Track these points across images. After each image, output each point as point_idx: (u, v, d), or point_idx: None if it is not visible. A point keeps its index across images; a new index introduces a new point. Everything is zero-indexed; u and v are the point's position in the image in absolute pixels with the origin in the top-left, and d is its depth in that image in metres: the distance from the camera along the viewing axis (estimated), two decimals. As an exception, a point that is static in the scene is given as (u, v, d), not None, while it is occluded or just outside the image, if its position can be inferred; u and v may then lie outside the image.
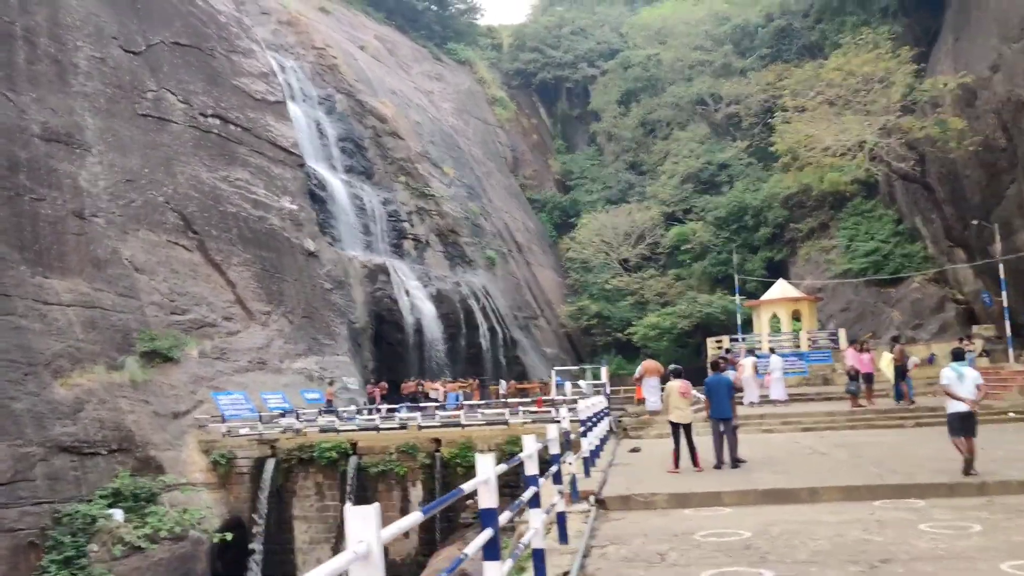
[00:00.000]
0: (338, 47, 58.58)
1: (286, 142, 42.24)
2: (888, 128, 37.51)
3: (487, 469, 5.47)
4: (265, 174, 40.05)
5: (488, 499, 5.47)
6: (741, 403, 23.83)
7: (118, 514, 24.94)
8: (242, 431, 29.54)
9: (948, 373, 12.98)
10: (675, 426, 15.15)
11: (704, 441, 16.03)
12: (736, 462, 15.27)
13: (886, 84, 38.19)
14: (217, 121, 38.39)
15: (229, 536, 26.28)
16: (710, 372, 15.91)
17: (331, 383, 35.04)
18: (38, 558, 23.15)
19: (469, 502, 26.01)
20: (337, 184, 48.49)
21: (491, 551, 5.19)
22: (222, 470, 28.90)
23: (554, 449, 10.80)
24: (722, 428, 15.16)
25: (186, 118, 36.67)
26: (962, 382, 12.78)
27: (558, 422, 26.78)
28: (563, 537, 9.95)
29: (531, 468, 7.69)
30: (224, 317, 34.42)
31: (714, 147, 64.78)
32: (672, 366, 16.47)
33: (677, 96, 68.50)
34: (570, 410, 28.32)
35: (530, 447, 7.80)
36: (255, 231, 37.72)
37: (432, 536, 26.57)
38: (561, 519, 10.20)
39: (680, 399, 15.16)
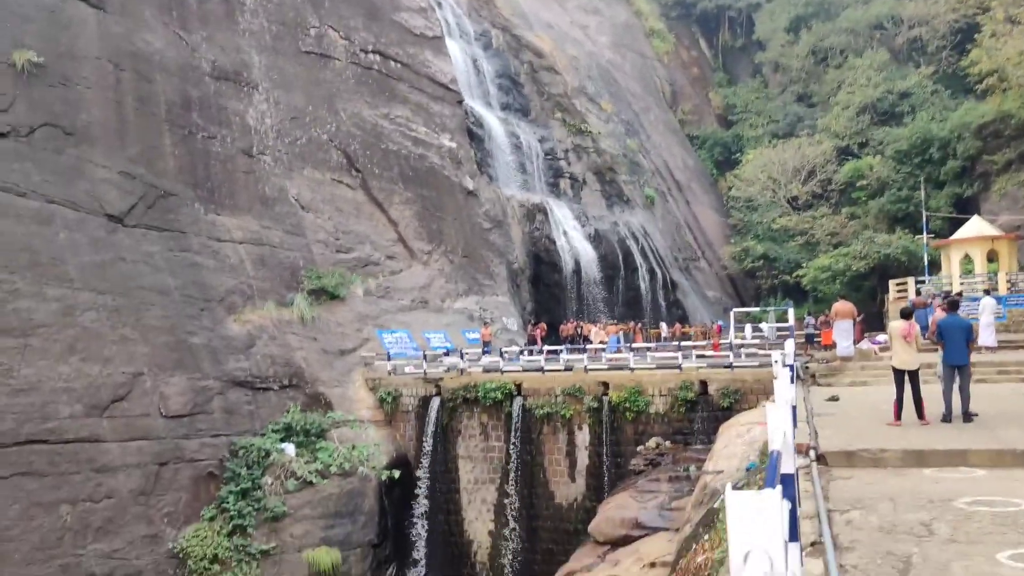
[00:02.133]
0: (493, -19, 57.09)
1: (445, 78, 41.44)
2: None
3: (781, 422, 4.07)
4: (424, 111, 39.46)
5: (786, 463, 4.10)
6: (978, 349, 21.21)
7: (290, 448, 25.27)
8: (407, 369, 29.41)
9: None
10: (899, 373, 13.23)
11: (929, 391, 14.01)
12: (968, 416, 13.24)
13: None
14: (377, 57, 37.95)
15: (396, 474, 26.23)
16: (939, 313, 13.82)
17: (486, 324, 34.31)
18: (217, 488, 23.75)
19: (640, 449, 24.84)
20: (494, 121, 47.48)
21: (792, 531, 3.84)
22: (388, 408, 28.90)
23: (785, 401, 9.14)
24: (956, 377, 13.13)
25: (347, 54, 36.39)
26: None
27: (732, 367, 25.15)
28: (787, 490, 8.50)
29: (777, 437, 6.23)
30: (387, 256, 34.31)
31: (894, 74, 59.52)
32: (903, 307, 14.43)
33: (853, 20, 63.26)
34: (748, 355, 26.60)
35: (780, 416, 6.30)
36: (415, 169, 37.29)
37: (600, 483, 25.62)
38: (775, 463, 8.72)
39: (904, 342, 13.21)
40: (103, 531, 20.79)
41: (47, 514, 19.89)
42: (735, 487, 10.83)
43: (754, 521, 2.03)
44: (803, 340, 29.63)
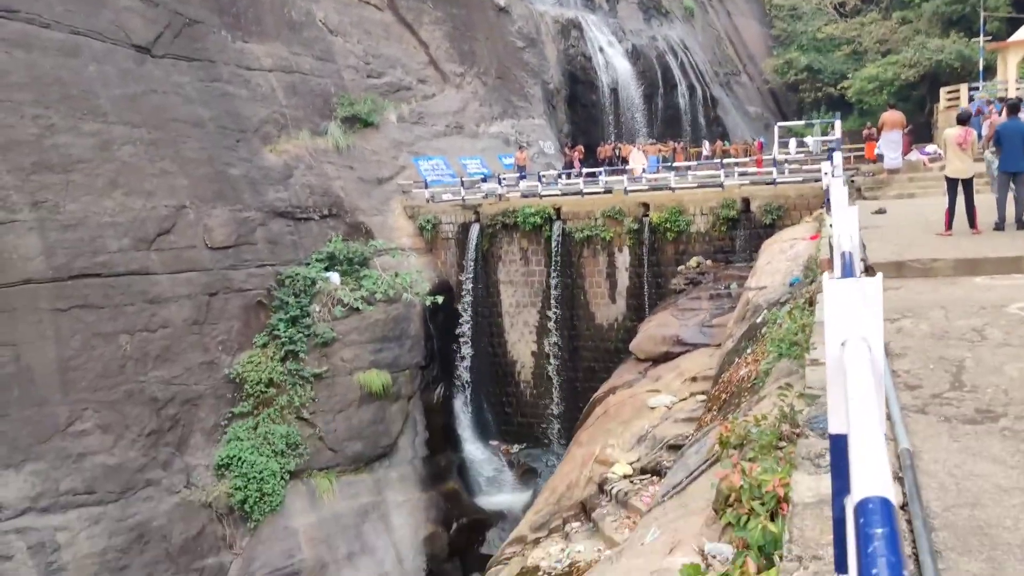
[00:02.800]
0: None
1: None
2: None
3: (847, 225, 3.91)
4: (450, -77, 37.32)
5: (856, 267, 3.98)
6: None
7: (335, 277, 25.72)
8: (445, 197, 29.36)
9: None
10: (951, 182, 12.87)
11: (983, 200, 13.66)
12: (1022, 222, 12.95)
13: None
14: None
15: (440, 299, 26.73)
16: (997, 118, 13.23)
17: (520, 148, 33.67)
18: (267, 316, 24.43)
19: (681, 268, 24.91)
20: (523, -69, 44.86)
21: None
22: (428, 235, 29.09)
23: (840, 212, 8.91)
24: (1012, 183, 12.73)
25: None
26: None
27: (775, 183, 24.69)
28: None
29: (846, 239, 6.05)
30: (419, 80, 33.50)
31: None
32: (960, 110, 13.84)
33: None
34: (792, 171, 26.05)
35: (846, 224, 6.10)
36: (443, -14, 35.71)
37: (641, 302, 25.92)
38: (850, 261, 8.62)
39: (959, 150, 12.76)
40: (161, 359, 21.64)
41: (107, 344, 20.68)
42: (779, 302, 10.77)
43: (855, 308, 1.95)
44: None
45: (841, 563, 2.34)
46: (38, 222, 19.95)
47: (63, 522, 19.02)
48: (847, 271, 3.50)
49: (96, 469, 19.74)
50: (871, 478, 1.58)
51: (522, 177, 30.88)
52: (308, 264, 25.78)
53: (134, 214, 21.90)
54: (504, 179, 29.86)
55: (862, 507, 1.54)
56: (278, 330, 24.04)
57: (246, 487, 21.77)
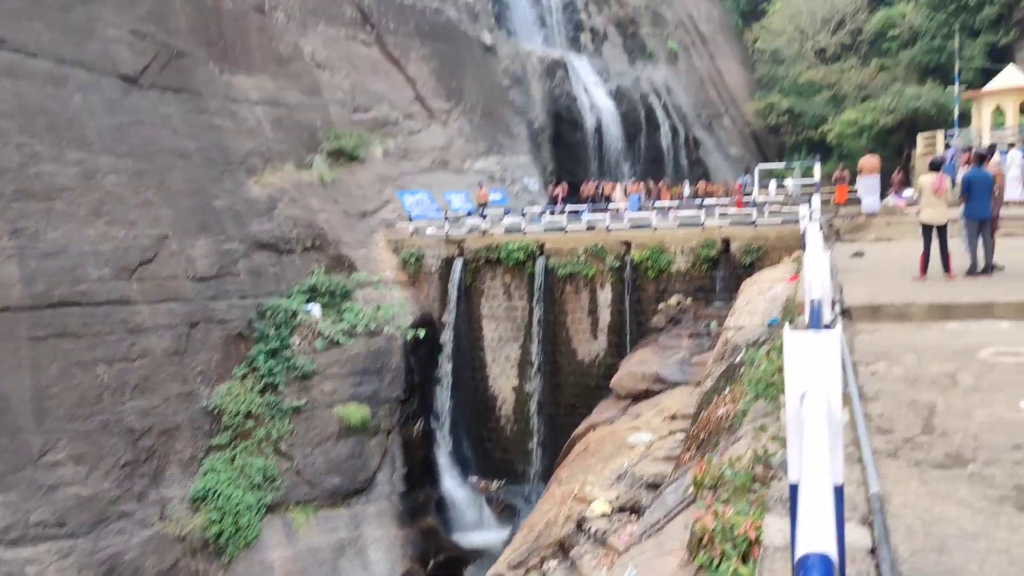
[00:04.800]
0: None
1: (459, -74, 39.58)
2: None
3: (819, 272, 4.04)
4: (439, -38, 37.92)
5: (826, 313, 4.10)
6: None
7: (316, 309, 25.70)
8: (429, 231, 29.49)
9: None
10: (927, 227, 13.12)
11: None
12: (991, 268, 13.21)
13: None
14: (388, -95, 36.16)
15: (421, 333, 26.73)
16: (965, 168, 13.55)
17: (480, 185, 33.47)
18: (247, 348, 24.33)
19: (661, 306, 25.08)
20: (511, -28, 45.65)
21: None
22: (411, 269, 29.16)
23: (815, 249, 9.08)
24: (979, 230, 13.01)
25: (358, -98, 34.67)
26: None
27: (755, 224, 25.00)
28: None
29: (816, 287, 6.19)
30: (405, 115, 33.78)
31: (933, -85, 56.18)
32: (933, 157, 14.14)
33: None
34: (772, 212, 26.40)
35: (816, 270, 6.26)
36: (432, 24, 36.17)
37: (622, 339, 26.04)
38: (818, 311, 8.78)
39: (934, 196, 13.03)
40: (140, 389, 21.48)
41: (85, 373, 20.52)
42: (757, 342, 10.92)
43: (813, 361, 2.04)
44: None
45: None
46: (18, 249, 19.87)
47: (33, 555, 18.72)
48: (814, 322, 3.60)
49: (68, 500, 19.48)
50: (815, 533, 1.63)
51: (482, 215, 30.99)
52: (290, 296, 25.77)
53: (116, 243, 21.85)
54: (488, 214, 30.05)
55: (803, 563, 1.59)
56: (258, 362, 23.95)
57: (221, 520, 21.53)
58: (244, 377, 23.79)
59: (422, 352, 27.63)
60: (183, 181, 24.37)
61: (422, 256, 29.13)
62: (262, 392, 23.67)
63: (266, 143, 27.88)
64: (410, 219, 29.88)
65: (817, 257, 4.20)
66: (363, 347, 25.72)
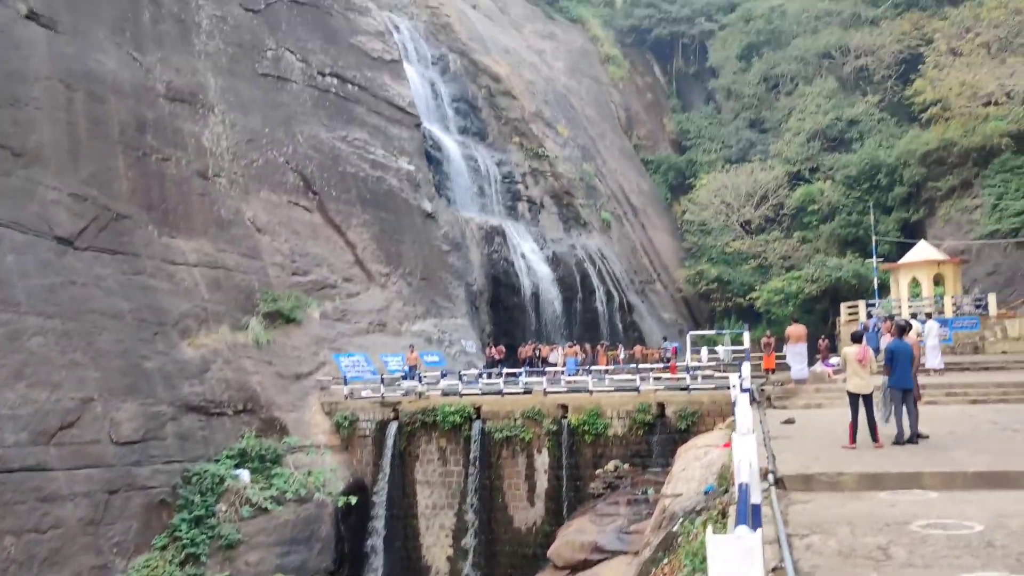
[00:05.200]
0: (451, 5, 57.45)
1: (403, 101, 41.49)
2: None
3: (747, 452, 4.13)
4: (382, 134, 39.44)
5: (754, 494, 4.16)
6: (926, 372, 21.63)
7: (244, 475, 24.89)
8: (364, 393, 29.20)
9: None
10: (853, 396, 13.49)
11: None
12: (917, 437, 13.55)
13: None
14: (335, 80, 37.88)
15: (353, 500, 25.96)
16: (888, 338, 14.13)
17: (411, 348, 33.36)
18: (169, 516, 23.27)
19: (599, 472, 24.89)
20: (452, 144, 47.60)
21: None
22: (345, 432, 28.64)
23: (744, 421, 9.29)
24: (903, 399, 13.44)
25: (305, 77, 36.27)
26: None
27: (688, 389, 25.35)
28: (755, 521, 8.57)
29: (744, 471, 6.28)
30: (344, 278, 34.09)
31: (842, 102, 60.90)
32: (854, 330, 14.72)
33: (802, 49, 64.65)
34: (704, 378, 26.86)
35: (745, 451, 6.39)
36: (373, 191, 37.20)
37: (559, 506, 25.61)
38: (745, 497, 8.81)
39: (859, 366, 13.47)
40: (49, 562, 20.21)
41: (-9, 545, 19.31)
42: (694, 511, 10.87)
43: (735, 564, 2.06)
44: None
45: None
46: (-68, 413, 19.05)
47: None
48: (742, 515, 3.65)
49: None
50: None
51: (412, 377, 30.80)
52: (218, 461, 24.99)
53: (37, 407, 21.13)
54: (424, 377, 29.94)
55: None
56: (180, 531, 22.86)
57: None
58: (164, 548, 22.63)
59: (353, 520, 26.72)
60: (113, 342, 23.94)
61: (356, 419, 28.69)
62: (183, 564, 22.47)
63: (202, 304, 27.74)
64: (345, 381, 29.59)
65: (744, 439, 4.28)
66: (292, 514, 24.81)
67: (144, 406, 23.84)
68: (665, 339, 41.29)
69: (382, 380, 29.26)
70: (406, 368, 31.93)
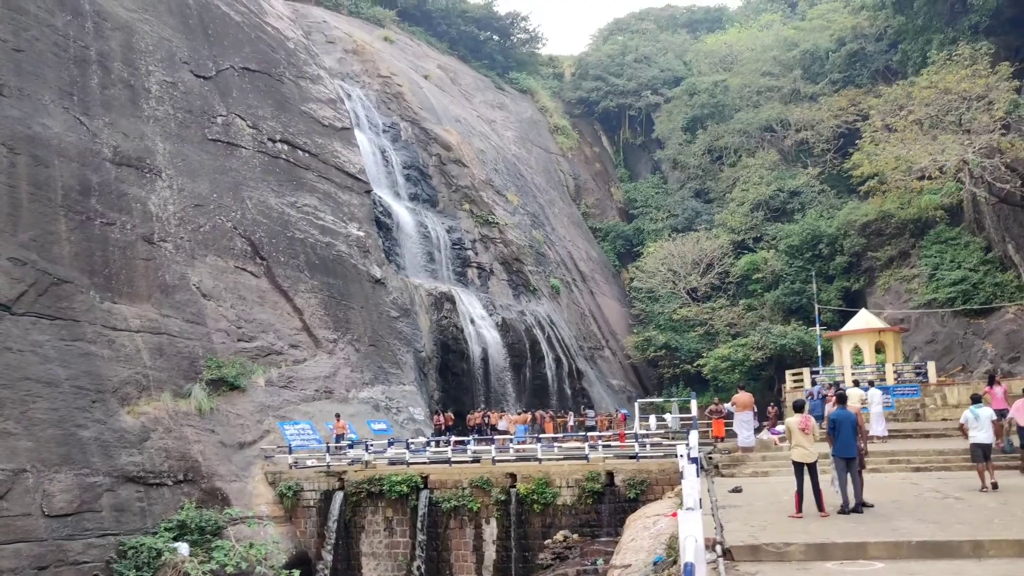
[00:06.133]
0: (403, 75, 58.37)
1: (353, 168, 41.69)
2: (990, 148, 35.39)
3: (692, 529, 4.14)
4: (332, 200, 39.48)
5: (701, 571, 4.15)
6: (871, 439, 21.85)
7: (183, 548, 24.05)
8: (309, 462, 28.60)
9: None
10: (799, 466, 13.62)
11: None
12: (862, 506, 13.69)
13: (987, 101, 36.15)
14: (285, 147, 37.97)
15: (296, 573, 25.16)
16: (831, 407, 14.34)
17: (338, 416, 32.59)
18: (102, 593, 22.30)
19: (548, 542, 24.57)
20: (402, 211, 47.86)
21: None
22: (288, 503, 27.94)
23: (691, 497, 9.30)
24: (847, 467, 13.60)
25: (254, 143, 36.30)
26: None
27: (637, 458, 25.34)
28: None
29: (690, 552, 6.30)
30: (291, 345, 33.65)
31: (784, 174, 62.88)
32: (796, 400, 14.91)
33: (745, 123, 66.84)
34: (653, 446, 26.88)
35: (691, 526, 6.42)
36: (322, 257, 37.05)
37: (508, 577, 25.14)
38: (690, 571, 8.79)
39: (803, 436, 13.64)
40: (-28, 645, 19.20)
41: (-92, 627, 18.30)
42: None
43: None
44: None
45: None
46: None
47: None
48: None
49: None
50: None
51: (349, 445, 30.09)
52: (156, 533, 24.14)
53: (-35, 478, 20.27)
54: (371, 445, 29.47)
55: None
56: (113, 609, 21.89)
57: None
58: (95, 627, 21.62)
59: (296, 594, 25.84)
60: (48, 411, 23.20)
61: (300, 489, 28.02)
62: (115, 644, 21.47)
63: (143, 371, 27.10)
64: (290, 450, 28.97)
65: (690, 517, 4.30)
66: (231, 590, 23.88)
67: (79, 477, 23.02)
68: (617, 410, 41.40)
69: (328, 449, 28.71)
70: (333, 436, 31.16)
